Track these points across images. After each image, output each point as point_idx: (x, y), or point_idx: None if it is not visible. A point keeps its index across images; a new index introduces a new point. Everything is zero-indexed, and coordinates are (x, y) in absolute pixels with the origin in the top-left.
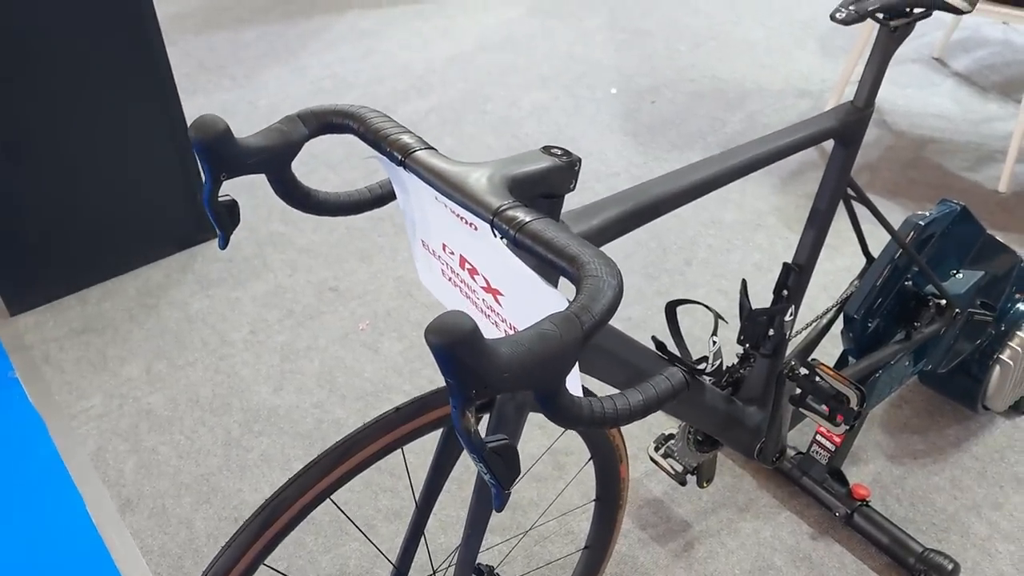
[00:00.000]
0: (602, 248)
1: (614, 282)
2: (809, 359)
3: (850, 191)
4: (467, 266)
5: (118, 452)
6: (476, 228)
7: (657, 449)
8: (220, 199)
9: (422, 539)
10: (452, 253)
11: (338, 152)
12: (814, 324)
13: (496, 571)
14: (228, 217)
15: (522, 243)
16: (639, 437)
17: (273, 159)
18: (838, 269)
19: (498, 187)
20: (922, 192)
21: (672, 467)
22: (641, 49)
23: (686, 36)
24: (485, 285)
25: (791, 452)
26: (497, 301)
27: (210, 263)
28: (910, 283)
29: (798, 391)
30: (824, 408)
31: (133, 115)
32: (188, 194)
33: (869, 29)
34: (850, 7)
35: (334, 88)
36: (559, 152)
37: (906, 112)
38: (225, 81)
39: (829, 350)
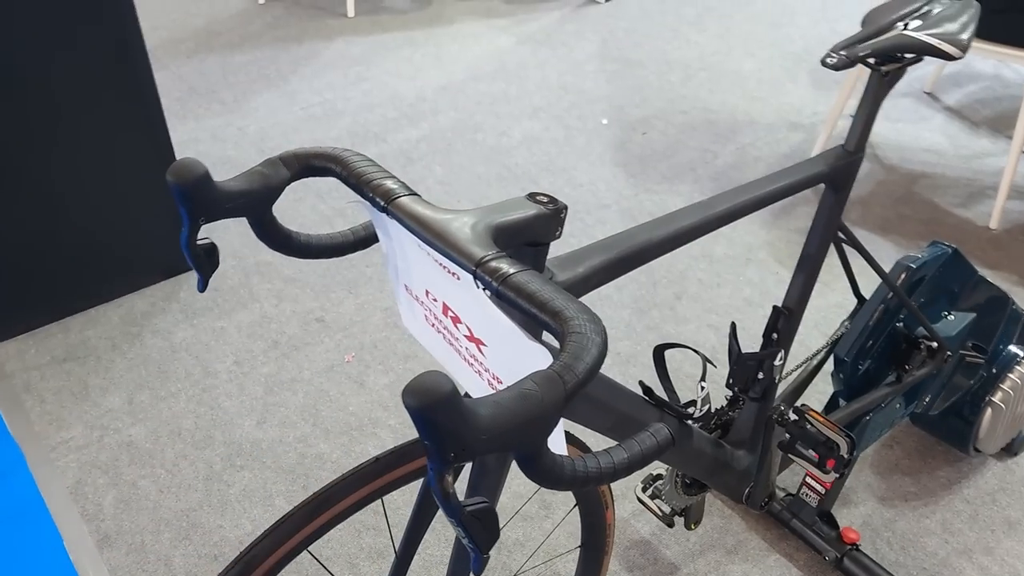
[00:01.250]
0: (589, 293)
1: (598, 339)
2: (798, 402)
3: (841, 234)
4: (450, 314)
5: (98, 485)
6: (459, 278)
7: (644, 490)
8: (199, 243)
9: None
10: (435, 300)
11: (329, 180)
12: (804, 366)
13: None
14: (207, 260)
15: (505, 296)
16: (627, 477)
17: (253, 203)
18: (830, 306)
19: (482, 236)
20: (913, 228)
21: (660, 508)
22: (632, 80)
23: (677, 67)
24: (468, 334)
25: (781, 494)
26: (480, 351)
27: (195, 292)
28: (901, 325)
29: (787, 437)
30: (813, 455)
31: (119, 142)
32: (174, 222)
33: (860, 68)
34: (841, 52)
35: (324, 115)
36: (545, 199)
37: (897, 147)
38: (215, 106)
39: (822, 388)
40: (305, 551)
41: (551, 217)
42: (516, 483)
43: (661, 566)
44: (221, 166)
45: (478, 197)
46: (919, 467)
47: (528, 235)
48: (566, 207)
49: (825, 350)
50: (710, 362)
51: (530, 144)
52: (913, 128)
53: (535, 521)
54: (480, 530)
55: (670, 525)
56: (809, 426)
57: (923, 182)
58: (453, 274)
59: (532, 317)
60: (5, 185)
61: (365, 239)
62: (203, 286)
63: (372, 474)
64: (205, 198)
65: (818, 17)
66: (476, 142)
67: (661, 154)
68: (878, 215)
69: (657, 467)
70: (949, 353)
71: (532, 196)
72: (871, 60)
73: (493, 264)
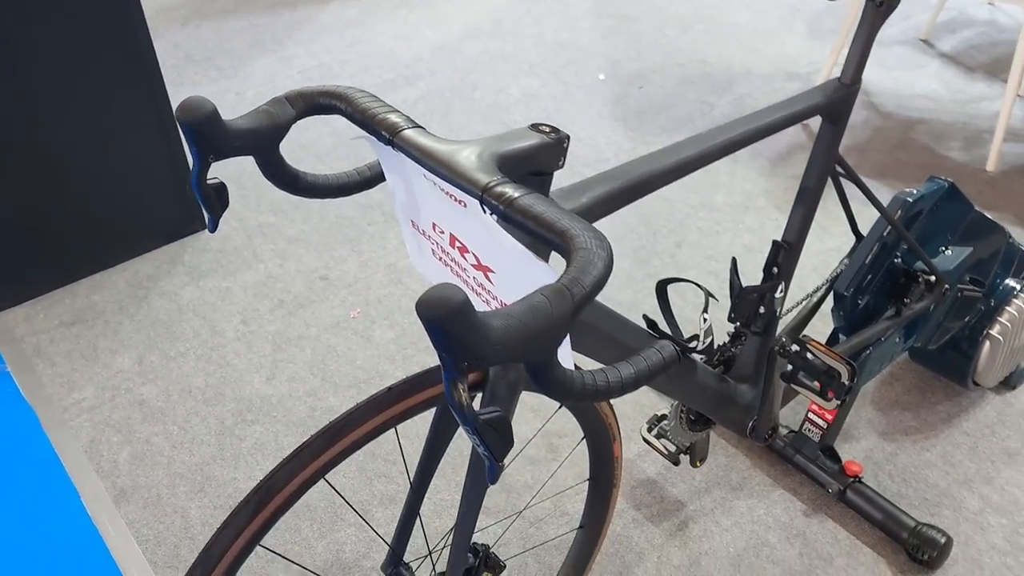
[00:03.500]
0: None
1: (604, 254)
2: (800, 336)
3: (839, 168)
4: (457, 244)
5: (112, 443)
6: (465, 205)
7: (650, 430)
8: (208, 182)
9: (417, 520)
10: (442, 232)
11: (327, 142)
12: (804, 303)
13: (492, 550)
14: (217, 200)
15: (512, 218)
16: (632, 418)
17: (261, 141)
18: (828, 249)
19: (487, 164)
20: (911, 173)
21: (665, 447)
22: (628, 35)
23: (672, 21)
24: (476, 263)
25: (783, 431)
26: (488, 279)
27: (200, 254)
28: (899, 260)
29: (789, 368)
30: (815, 384)
31: (120, 107)
32: (176, 186)
33: (857, 10)
34: None
35: (321, 78)
36: (547, 129)
37: (894, 94)
38: (212, 72)
39: (819, 328)
40: (323, 480)
41: (554, 146)
42: (523, 428)
43: (668, 503)
44: None
45: None
46: (919, 402)
47: (532, 164)
48: (568, 137)
49: (825, 287)
50: (711, 295)
51: (528, 101)
52: (909, 75)
53: (543, 464)
54: (495, 438)
55: (676, 463)
56: (810, 355)
57: (920, 128)
58: (460, 202)
59: (539, 237)
60: (8, 154)
61: (371, 179)
62: (214, 226)
63: (385, 403)
64: (214, 136)
65: None
66: (474, 100)
67: (659, 107)
68: (875, 161)
69: (662, 407)
70: (947, 287)
71: (535, 126)
72: None
73: (499, 189)
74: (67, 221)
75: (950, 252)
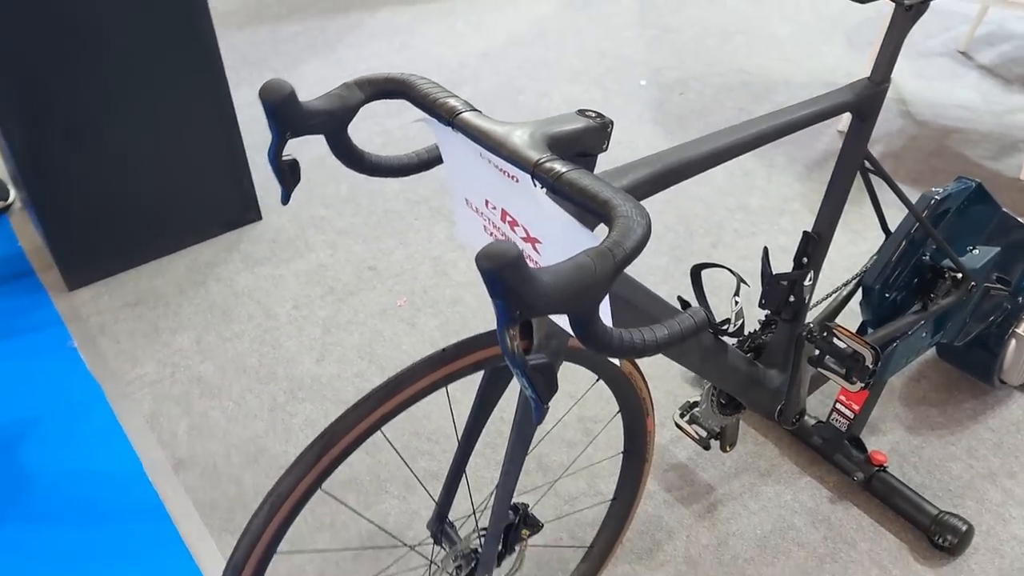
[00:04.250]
0: None
1: (643, 221)
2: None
3: (868, 164)
4: (508, 219)
5: (171, 416)
6: (517, 180)
7: (682, 416)
8: (284, 158)
9: (463, 481)
10: (494, 208)
11: (376, 141)
12: (834, 296)
13: (531, 510)
14: (290, 174)
15: (560, 191)
16: (665, 406)
17: (332, 121)
18: (861, 252)
19: (538, 143)
20: (944, 180)
21: (697, 432)
22: (670, 44)
23: (714, 32)
24: (525, 235)
25: (812, 420)
26: (536, 249)
27: (255, 243)
28: (927, 257)
29: (816, 352)
30: (841, 368)
31: (186, 104)
32: (235, 178)
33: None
34: None
35: None
36: (593, 114)
37: (931, 103)
38: (267, 73)
39: (848, 324)
40: (379, 432)
41: (599, 130)
42: (561, 411)
43: (698, 487)
44: None
45: None
46: (945, 399)
47: (579, 145)
48: (612, 122)
49: (854, 281)
50: (743, 280)
51: (570, 105)
52: (947, 85)
53: (578, 447)
54: (541, 381)
55: (706, 448)
56: (837, 340)
57: (955, 137)
58: (512, 177)
59: (584, 207)
60: (83, 146)
61: (428, 161)
62: (286, 198)
63: (439, 362)
64: (291, 115)
65: None
66: (517, 104)
67: (698, 113)
68: (910, 168)
69: (695, 396)
70: (973, 284)
71: (581, 112)
72: None
73: (548, 165)
74: (132, 209)
75: (977, 252)
